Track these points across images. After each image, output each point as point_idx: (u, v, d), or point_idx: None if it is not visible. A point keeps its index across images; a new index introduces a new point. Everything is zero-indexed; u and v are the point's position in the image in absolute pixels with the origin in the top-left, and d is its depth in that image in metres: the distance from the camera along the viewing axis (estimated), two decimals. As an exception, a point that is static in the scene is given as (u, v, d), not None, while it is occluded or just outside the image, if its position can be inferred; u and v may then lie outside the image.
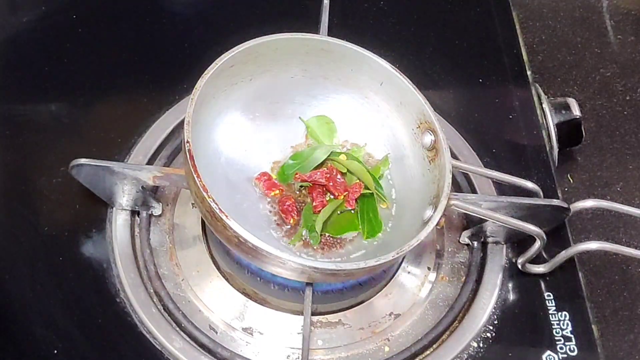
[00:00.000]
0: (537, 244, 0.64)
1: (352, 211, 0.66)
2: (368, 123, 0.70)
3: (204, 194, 0.56)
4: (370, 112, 0.70)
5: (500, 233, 0.68)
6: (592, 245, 0.65)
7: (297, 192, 0.66)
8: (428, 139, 0.65)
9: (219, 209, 0.55)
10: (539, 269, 0.67)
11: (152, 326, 0.62)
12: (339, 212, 0.66)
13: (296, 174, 0.66)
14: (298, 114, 0.70)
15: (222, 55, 0.63)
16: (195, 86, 0.61)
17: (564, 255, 0.66)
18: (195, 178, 0.56)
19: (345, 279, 0.63)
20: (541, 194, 0.66)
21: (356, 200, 0.66)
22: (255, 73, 0.67)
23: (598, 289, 0.76)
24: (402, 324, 0.66)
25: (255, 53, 0.65)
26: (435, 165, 0.64)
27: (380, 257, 0.57)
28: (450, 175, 0.61)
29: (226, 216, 0.55)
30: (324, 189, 0.66)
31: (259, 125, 0.69)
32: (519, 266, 0.68)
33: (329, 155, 0.68)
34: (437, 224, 0.59)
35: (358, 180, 0.67)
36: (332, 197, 0.66)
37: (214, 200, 0.56)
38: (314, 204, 0.65)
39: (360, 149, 0.70)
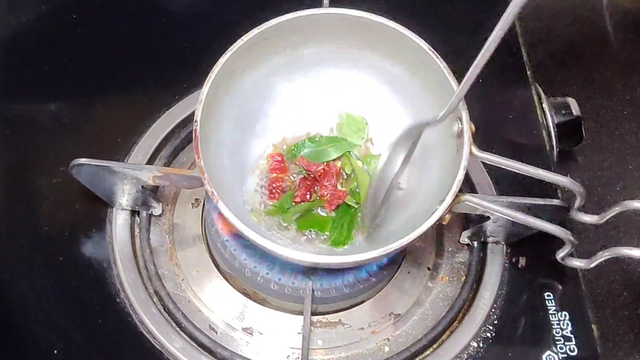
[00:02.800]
0: (567, 248, 0.62)
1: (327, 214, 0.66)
2: (403, 98, 0.69)
3: (201, 175, 0.57)
4: (406, 89, 0.68)
5: (500, 233, 0.68)
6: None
7: (294, 177, 0.67)
8: (456, 127, 0.62)
9: (212, 191, 0.56)
10: (579, 263, 0.64)
11: (152, 326, 0.62)
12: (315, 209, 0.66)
13: (300, 157, 0.67)
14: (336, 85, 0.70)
15: (257, 28, 0.63)
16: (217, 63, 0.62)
17: (605, 254, 0.62)
18: (196, 159, 0.57)
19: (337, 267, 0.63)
20: (580, 192, 0.61)
21: (337, 206, 0.66)
22: (294, 45, 0.67)
23: (598, 289, 0.76)
24: (402, 324, 0.66)
25: (291, 26, 0.65)
26: (459, 157, 0.60)
27: (371, 251, 0.56)
28: (464, 171, 0.59)
29: (217, 199, 0.56)
30: (314, 182, 0.66)
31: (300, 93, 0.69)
32: (559, 259, 0.64)
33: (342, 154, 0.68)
34: (442, 220, 0.58)
35: (349, 188, 0.67)
36: (316, 193, 0.66)
37: (208, 182, 0.57)
38: (297, 193, 0.65)
39: (374, 157, 0.69)
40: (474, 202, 0.60)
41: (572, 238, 0.60)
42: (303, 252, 0.58)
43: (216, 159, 0.62)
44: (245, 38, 0.63)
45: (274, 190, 0.66)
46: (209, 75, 0.61)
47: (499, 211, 0.61)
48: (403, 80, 0.68)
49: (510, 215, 0.60)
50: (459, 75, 0.62)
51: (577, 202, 0.61)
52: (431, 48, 0.64)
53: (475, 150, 0.60)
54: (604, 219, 0.63)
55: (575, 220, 0.63)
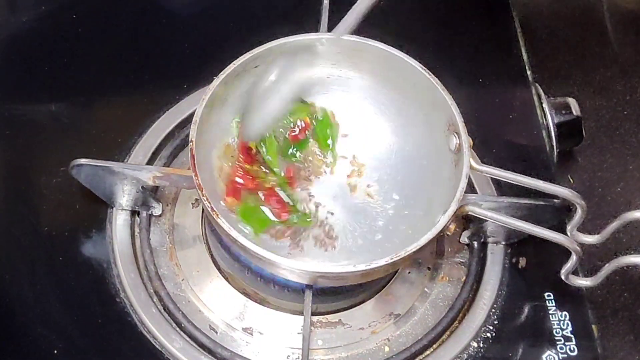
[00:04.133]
0: (574, 258, 0.61)
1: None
2: (395, 122, 0.69)
3: (199, 192, 0.57)
4: (400, 111, 0.69)
5: (500, 233, 0.68)
6: None
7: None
8: (454, 141, 0.63)
9: (211, 207, 0.56)
10: (585, 282, 0.63)
11: (152, 326, 0.62)
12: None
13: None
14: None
15: (248, 52, 0.64)
16: (213, 84, 0.62)
17: (610, 267, 0.61)
18: (194, 177, 0.58)
19: (339, 282, 0.62)
20: (581, 204, 0.61)
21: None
22: (286, 72, 0.67)
23: (598, 289, 0.75)
24: (402, 324, 0.66)
25: (281, 53, 0.65)
26: (458, 169, 0.62)
27: (377, 260, 0.56)
28: (466, 180, 0.59)
29: (217, 215, 0.56)
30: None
31: None
32: (563, 278, 0.63)
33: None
34: (447, 230, 0.59)
35: None
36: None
37: (207, 199, 0.57)
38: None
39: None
40: (477, 213, 0.61)
41: (578, 248, 0.60)
42: (307, 262, 0.60)
43: (211, 174, 0.62)
44: (236, 63, 0.64)
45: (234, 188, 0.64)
46: (202, 97, 0.62)
47: (505, 222, 0.61)
48: (395, 102, 0.69)
49: (517, 226, 0.61)
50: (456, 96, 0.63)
51: (577, 218, 0.61)
52: (423, 67, 0.65)
53: (474, 164, 0.60)
54: (605, 237, 0.62)
55: (575, 240, 0.61)
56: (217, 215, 0.57)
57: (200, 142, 0.60)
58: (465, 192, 0.71)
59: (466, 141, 0.61)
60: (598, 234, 0.63)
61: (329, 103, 0.70)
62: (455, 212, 0.58)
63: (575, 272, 0.64)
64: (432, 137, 0.66)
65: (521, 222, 0.61)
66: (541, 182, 0.61)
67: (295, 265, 0.57)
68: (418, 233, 0.58)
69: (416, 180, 0.67)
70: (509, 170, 0.67)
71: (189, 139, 0.60)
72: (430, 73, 0.64)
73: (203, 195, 0.57)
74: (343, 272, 0.57)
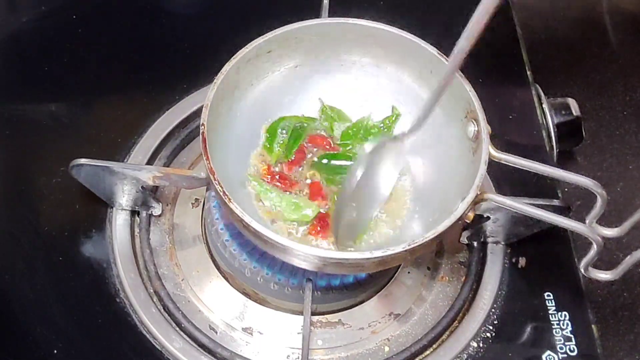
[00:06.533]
0: (594, 249, 0.59)
1: None
2: (411, 109, 0.68)
3: (211, 176, 0.56)
4: (416, 99, 0.67)
5: (500, 233, 0.68)
6: None
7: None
8: (472, 129, 0.62)
9: (223, 191, 0.55)
10: (605, 275, 0.61)
11: (152, 326, 0.63)
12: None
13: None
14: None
15: (261, 37, 0.63)
16: (221, 70, 0.61)
17: (631, 260, 0.59)
18: (205, 161, 0.57)
19: (352, 270, 0.61)
20: (601, 194, 0.59)
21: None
22: (298, 58, 0.67)
23: (598, 289, 0.76)
24: (402, 324, 0.66)
25: (295, 38, 0.65)
26: (477, 157, 0.60)
27: (388, 248, 0.54)
28: (485, 167, 0.58)
29: (229, 199, 0.55)
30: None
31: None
32: (582, 270, 0.62)
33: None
34: (466, 218, 0.57)
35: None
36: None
37: (219, 183, 0.56)
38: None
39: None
40: (497, 200, 0.59)
41: (599, 239, 0.58)
42: (321, 249, 0.58)
43: (221, 162, 0.62)
44: (249, 46, 0.63)
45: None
46: (215, 81, 0.61)
47: (525, 210, 0.59)
48: (411, 88, 0.68)
49: (537, 215, 0.59)
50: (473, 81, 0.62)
51: (597, 209, 0.59)
52: (440, 53, 0.64)
53: (493, 151, 0.59)
54: (625, 231, 0.60)
55: (596, 233, 0.59)
56: (230, 199, 0.55)
57: (211, 127, 0.59)
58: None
59: (485, 128, 0.60)
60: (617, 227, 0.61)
61: (341, 90, 0.69)
62: (474, 199, 0.57)
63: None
64: (449, 125, 0.65)
65: (541, 211, 0.58)
66: (561, 170, 0.59)
67: (311, 251, 0.55)
68: (435, 222, 0.57)
69: (433, 169, 0.66)
70: (507, 170, 0.67)
71: (201, 123, 0.58)
72: (447, 59, 0.61)
73: (215, 180, 0.56)
74: (360, 259, 0.55)
